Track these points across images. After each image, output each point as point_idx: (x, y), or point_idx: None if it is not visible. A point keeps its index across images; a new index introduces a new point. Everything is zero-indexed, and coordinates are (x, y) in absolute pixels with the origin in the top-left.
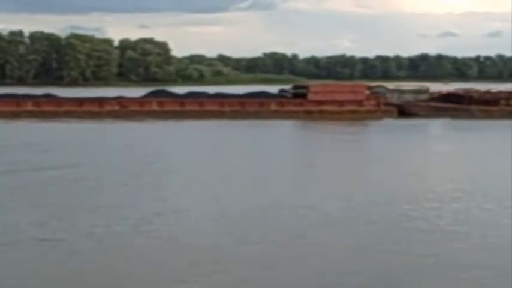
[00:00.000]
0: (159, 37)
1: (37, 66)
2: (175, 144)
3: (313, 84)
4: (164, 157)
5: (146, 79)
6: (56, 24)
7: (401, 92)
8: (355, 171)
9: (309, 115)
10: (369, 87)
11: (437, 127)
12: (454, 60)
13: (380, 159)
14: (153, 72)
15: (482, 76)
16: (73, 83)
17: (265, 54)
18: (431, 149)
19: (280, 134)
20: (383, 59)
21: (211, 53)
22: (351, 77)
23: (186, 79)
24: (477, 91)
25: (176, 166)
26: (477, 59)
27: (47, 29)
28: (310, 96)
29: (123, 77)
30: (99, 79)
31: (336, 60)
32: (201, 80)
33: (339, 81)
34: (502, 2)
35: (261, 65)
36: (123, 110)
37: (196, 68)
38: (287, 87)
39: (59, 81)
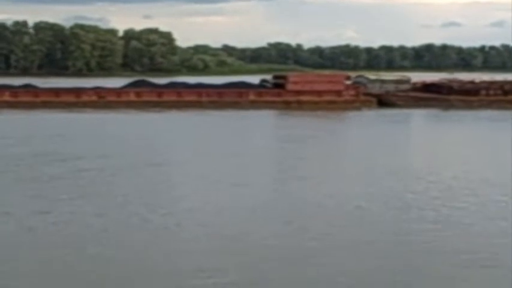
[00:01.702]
0: (163, 27)
1: (42, 56)
2: (146, 136)
3: (292, 74)
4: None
5: (151, 69)
6: (60, 14)
7: (383, 82)
8: (325, 164)
9: (287, 105)
10: (348, 78)
11: (415, 117)
12: (459, 51)
13: (351, 152)
14: (158, 62)
15: (486, 66)
16: (78, 73)
17: (269, 44)
18: (405, 139)
19: (256, 125)
20: (387, 49)
21: (215, 43)
22: (355, 67)
23: (191, 69)
24: (458, 81)
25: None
26: (482, 49)
27: (51, 19)
28: (289, 87)
29: (127, 67)
30: (103, 69)
31: (340, 50)
32: (205, 70)
33: (344, 71)
34: None
35: (266, 55)
36: (101, 100)
37: (200, 58)
38: (269, 77)
39: (63, 72)
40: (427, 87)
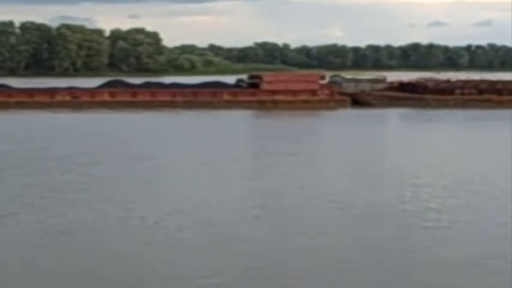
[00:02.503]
0: (149, 27)
1: (28, 56)
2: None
3: (267, 74)
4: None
5: (137, 69)
6: (45, 14)
7: (358, 81)
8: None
9: (262, 105)
10: (323, 77)
11: (389, 117)
12: (445, 50)
13: (327, 153)
14: (145, 62)
15: (473, 65)
16: (64, 73)
17: (256, 44)
18: (377, 139)
19: (228, 125)
20: (374, 49)
21: (202, 43)
22: (342, 67)
23: (178, 69)
24: (434, 80)
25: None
26: (468, 48)
27: (36, 19)
28: (264, 86)
29: (114, 67)
30: (90, 69)
31: (327, 49)
32: (192, 70)
33: (331, 71)
34: None
35: (253, 55)
36: (75, 100)
37: (187, 58)
38: (244, 76)
39: (50, 72)
40: (402, 86)
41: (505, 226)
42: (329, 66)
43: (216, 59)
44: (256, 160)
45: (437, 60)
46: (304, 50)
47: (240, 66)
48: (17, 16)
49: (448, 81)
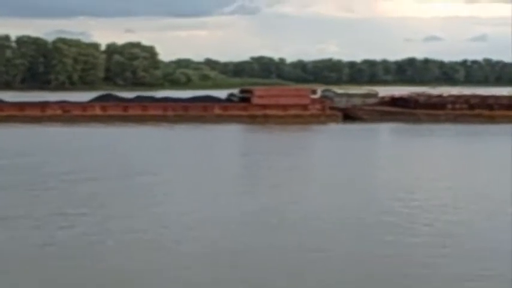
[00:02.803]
0: (145, 41)
1: (24, 70)
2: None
3: (258, 88)
4: None
5: (133, 83)
6: (41, 28)
7: (350, 96)
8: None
9: (253, 119)
10: (314, 92)
11: (380, 132)
12: (441, 65)
13: (319, 168)
14: (140, 76)
15: (469, 80)
16: (60, 87)
17: (252, 58)
18: (368, 153)
19: (220, 140)
20: (370, 63)
21: (198, 57)
22: (338, 81)
23: (173, 83)
24: (426, 95)
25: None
26: (464, 63)
27: (33, 34)
28: (255, 100)
29: (110, 81)
30: (86, 83)
31: (323, 64)
32: (188, 84)
33: (327, 85)
34: (485, 6)
35: (249, 69)
36: (66, 114)
37: (183, 72)
38: (236, 91)
39: (46, 85)
40: (394, 101)
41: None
42: (325, 81)
43: (212, 73)
44: (251, 174)
45: (433, 75)
46: (300, 65)
47: (236, 80)
48: (13, 30)
49: (439, 96)
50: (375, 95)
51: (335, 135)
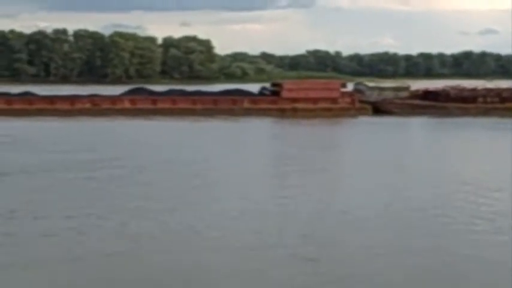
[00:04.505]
0: (200, 35)
1: (81, 64)
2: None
3: (287, 81)
4: None
5: (190, 77)
6: (97, 23)
7: (381, 89)
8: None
9: (282, 113)
10: (344, 85)
11: (409, 125)
12: (498, 58)
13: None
14: (197, 70)
15: None
16: (117, 80)
17: (308, 51)
18: (397, 149)
19: (251, 133)
20: (426, 57)
21: (254, 50)
22: (394, 75)
23: (229, 77)
24: (458, 88)
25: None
26: None
27: (88, 27)
28: (284, 94)
29: (166, 74)
30: (142, 77)
31: (379, 57)
32: (244, 77)
33: (382, 79)
34: None
35: (304, 63)
36: (95, 108)
37: (239, 65)
38: (268, 84)
39: (103, 79)
40: (425, 94)
41: None
42: (381, 74)
43: (268, 67)
44: (288, 169)
45: (490, 68)
46: (356, 58)
47: (292, 73)
48: (70, 24)
49: (472, 89)
50: (406, 89)
51: (365, 129)
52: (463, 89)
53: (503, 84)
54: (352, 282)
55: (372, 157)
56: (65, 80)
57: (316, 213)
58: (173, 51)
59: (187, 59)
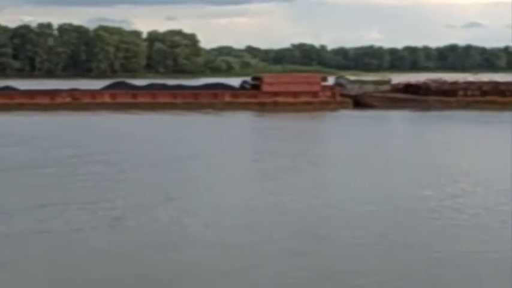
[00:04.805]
0: (186, 29)
1: (66, 58)
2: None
3: (268, 75)
4: None
5: (175, 71)
6: (82, 17)
7: (362, 83)
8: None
9: (262, 106)
10: (325, 78)
11: (390, 119)
12: (483, 51)
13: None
14: (182, 64)
15: (511, 67)
16: (102, 75)
17: (293, 45)
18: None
19: (232, 127)
20: (411, 50)
21: (239, 44)
22: (379, 68)
23: (215, 71)
24: (439, 82)
25: None
26: (506, 49)
27: (73, 21)
28: (265, 88)
29: (151, 69)
30: (127, 71)
31: (364, 51)
32: (229, 71)
33: (368, 72)
34: None
35: (289, 56)
36: (75, 102)
37: (224, 59)
38: (249, 78)
39: (88, 74)
40: (406, 88)
41: None
42: (366, 68)
43: (253, 61)
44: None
45: (475, 62)
46: (341, 52)
47: (277, 67)
48: (55, 18)
49: (453, 83)
50: (387, 82)
51: (346, 122)
52: (444, 83)
53: (489, 77)
54: (343, 279)
55: (353, 151)
56: (50, 74)
57: (303, 208)
58: (158, 45)
59: (172, 53)
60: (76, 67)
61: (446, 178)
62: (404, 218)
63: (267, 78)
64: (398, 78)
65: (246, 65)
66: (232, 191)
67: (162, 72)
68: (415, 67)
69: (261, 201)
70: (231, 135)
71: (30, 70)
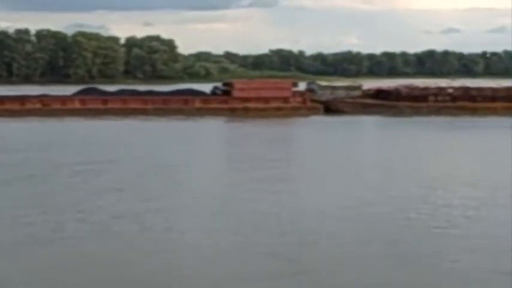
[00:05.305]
0: (164, 35)
1: (44, 64)
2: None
3: (239, 81)
4: None
5: (153, 76)
6: (60, 22)
7: (333, 88)
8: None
9: (233, 112)
10: (295, 84)
11: (360, 124)
12: (460, 57)
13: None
14: (160, 69)
15: (489, 72)
16: (80, 80)
17: (271, 51)
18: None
19: (203, 133)
20: (389, 56)
21: (217, 50)
22: (357, 74)
23: (193, 76)
24: (409, 87)
25: None
26: (483, 55)
27: (51, 27)
28: (235, 93)
29: (129, 74)
30: (105, 77)
31: (342, 56)
32: (207, 77)
33: (346, 78)
34: None
35: (268, 62)
36: (45, 108)
37: (202, 65)
38: (220, 84)
39: (65, 79)
40: (377, 93)
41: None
42: (344, 74)
43: (232, 66)
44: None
45: (453, 67)
46: (320, 57)
47: (255, 73)
48: (32, 24)
49: (424, 88)
50: (358, 88)
51: (316, 128)
52: (415, 88)
53: (469, 83)
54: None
55: (323, 155)
56: (27, 80)
57: (273, 213)
58: (136, 51)
59: (150, 59)
60: (54, 73)
61: (415, 182)
62: (375, 219)
63: (238, 84)
64: (376, 83)
65: (224, 70)
66: (202, 196)
67: (140, 78)
68: (393, 73)
69: (232, 205)
70: (201, 141)
71: (8, 76)
